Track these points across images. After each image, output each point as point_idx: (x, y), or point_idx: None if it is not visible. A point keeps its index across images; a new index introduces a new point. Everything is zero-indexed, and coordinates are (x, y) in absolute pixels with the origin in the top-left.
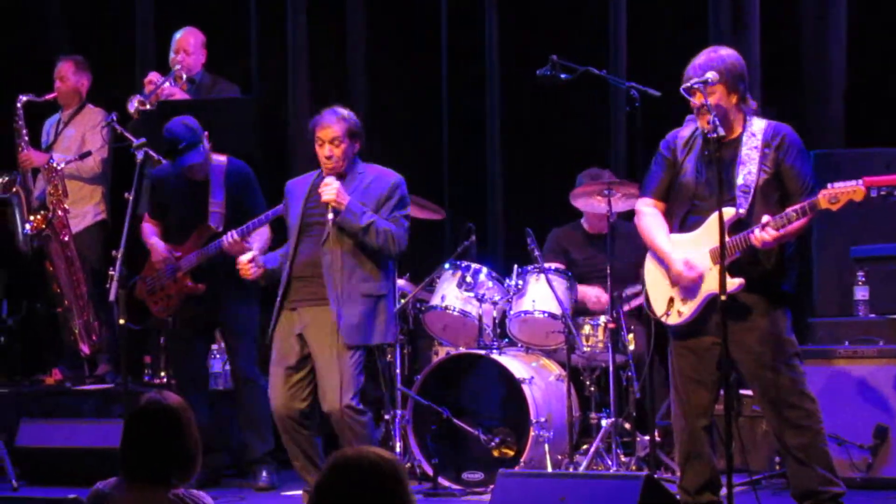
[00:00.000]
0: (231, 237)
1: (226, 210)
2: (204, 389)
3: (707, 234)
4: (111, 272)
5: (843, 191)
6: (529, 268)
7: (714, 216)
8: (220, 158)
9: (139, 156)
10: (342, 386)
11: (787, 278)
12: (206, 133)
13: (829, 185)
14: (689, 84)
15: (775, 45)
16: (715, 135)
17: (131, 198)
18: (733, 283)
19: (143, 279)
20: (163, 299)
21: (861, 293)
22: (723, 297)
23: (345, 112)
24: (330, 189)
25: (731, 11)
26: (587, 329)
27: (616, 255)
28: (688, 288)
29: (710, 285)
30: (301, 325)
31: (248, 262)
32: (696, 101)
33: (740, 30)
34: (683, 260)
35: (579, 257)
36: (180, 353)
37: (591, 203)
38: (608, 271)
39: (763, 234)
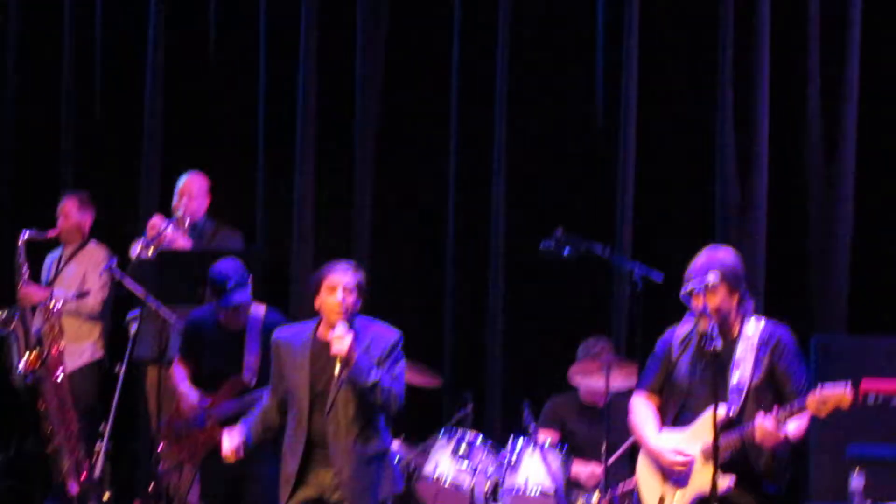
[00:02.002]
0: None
1: (260, 363)
2: None
3: (699, 432)
4: (97, 447)
5: (830, 398)
6: (524, 440)
7: (707, 414)
8: (259, 308)
9: (132, 329)
10: None
11: (777, 480)
12: (250, 276)
13: (818, 389)
14: (688, 288)
15: (781, 228)
16: (711, 347)
17: (122, 370)
18: (725, 479)
19: (171, 424)
20: (190, 447)
21: (856, 485)
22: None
23: (357, 266)
24: (343, 342)
25: (739, 193)
26: None
27: (612, 431)
28: (679, 484)
29: (701, 483)
30: (318, 491)
31: (233, 452)
32: (696, 304)
33: (747, 210)
34: (673, 448)
35: (576, 429)
36: None
37: (589, 380)
38: (604, 448)
39: (766, 421)
